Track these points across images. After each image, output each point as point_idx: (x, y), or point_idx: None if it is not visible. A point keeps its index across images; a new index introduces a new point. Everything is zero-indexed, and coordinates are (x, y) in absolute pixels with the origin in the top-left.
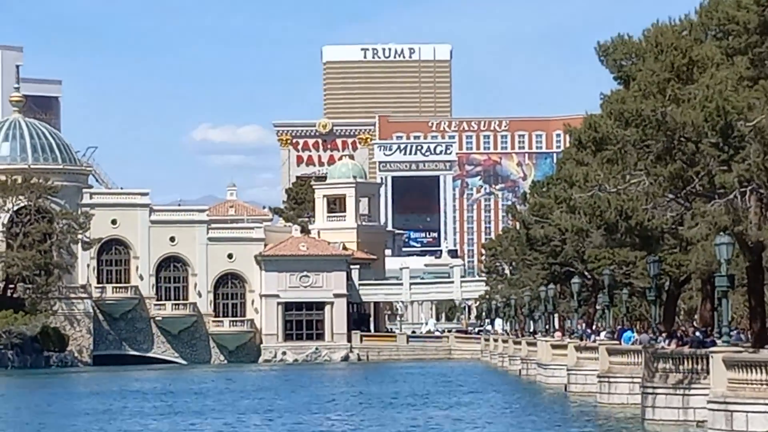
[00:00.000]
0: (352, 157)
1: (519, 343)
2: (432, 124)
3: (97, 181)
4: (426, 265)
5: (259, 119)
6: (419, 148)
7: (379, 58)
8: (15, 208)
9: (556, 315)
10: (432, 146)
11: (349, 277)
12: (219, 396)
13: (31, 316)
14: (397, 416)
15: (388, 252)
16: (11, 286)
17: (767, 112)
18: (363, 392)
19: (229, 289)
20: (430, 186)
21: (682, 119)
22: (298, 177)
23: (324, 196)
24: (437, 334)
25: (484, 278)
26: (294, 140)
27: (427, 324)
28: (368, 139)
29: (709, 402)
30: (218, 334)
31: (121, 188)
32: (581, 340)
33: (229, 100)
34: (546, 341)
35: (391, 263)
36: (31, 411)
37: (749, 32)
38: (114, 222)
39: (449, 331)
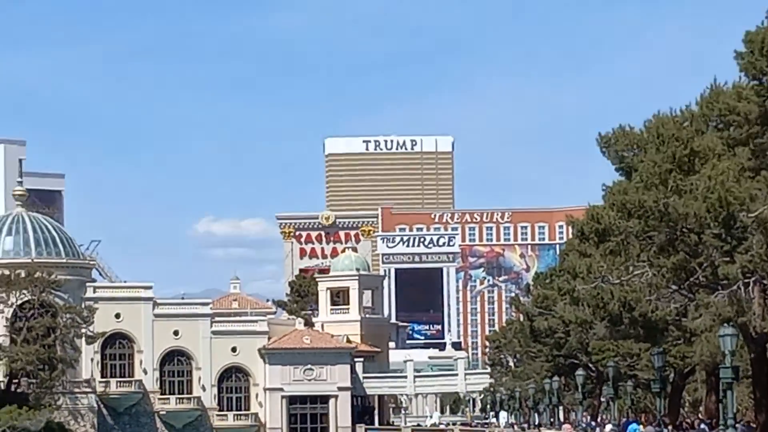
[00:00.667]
0: (355, 249)
1: None
2: (435, 215)
3: (100, 274)
4: (430, 358)
5: (262, 212)
6: (422, 240)
7: (381, 149)
8: (18, 302)
9: (560, 407)
10: (435, 238)
11: (353, 370)
12: None
13: (35, 411)
14: None
15: (392, 344)
16: (15, 381)
17: None
18: None
19: (233, 382)
20: (434, 278)
21: (684, 210)
22: (301, 269)
23: (327, 288)
24: (442, 427)
25: (488, 370)
26: (297, 233)
27: (431, 417)
28: (371, 231)
29: None
30: (223, 429)
31: (125, 282)
32: (586, 431)
33: (231, 193)
34: None
35: (395, 356)
36: None
37: (750, 123)
38: (118, 316)
39: (454, 424)
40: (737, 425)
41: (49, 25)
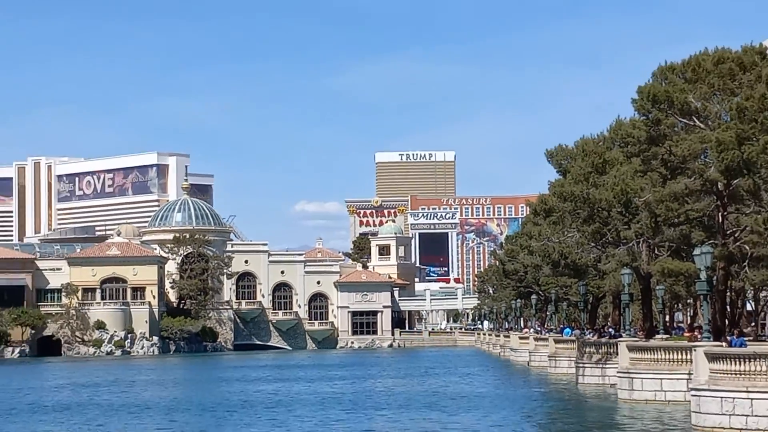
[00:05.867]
0: (394, 221)
1: (499, 336)
2: (444, 200)
3: (235, 236)
4: (440, 288)
5: (336, 198)
6: (435, 215)
7: (410, 159)
8: (185, 253)
9: (521, 318)
10: (443, 214)
11: (392, 295)
12: (322, 366)
13: (195, 320)
14: (431, 378)
15: (416, 279)
16: (183, 301)
17: (653, 193)
18: (404, 367)
19: (318, 302)
20: (442, 239)
21: (599, 197)
22: (360, 234)
23: (376, 245)
24: (448, 330)
25: (477, 296)
26: (358, 211)
27: (441, 324)
28: (404, 210)
29: (618, 372)
30: (311, 331)
31: (251, 241)
32: (538, 334)
33: (318, 186)
34: (516, 335)
35: (418, 287)
36: (205, 377)
37: (641, 143)
38: (246, 262)
39: (455, 329)
40: (631, 330)
41: (209, 73)
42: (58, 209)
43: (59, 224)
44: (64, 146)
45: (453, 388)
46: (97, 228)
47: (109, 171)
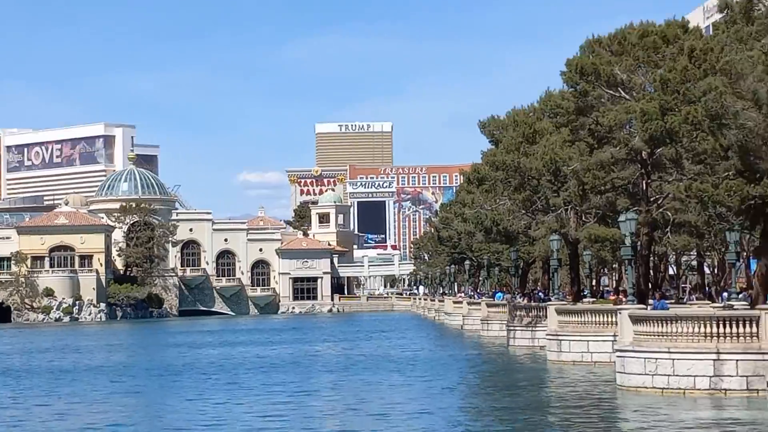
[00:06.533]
0: (333, 190)
1: (433, 300)
2: (381, 169)
3: (180, 205)
4: (378, 254)
5: (278, 168)
6: (373, 184)
7: (349, 130)
8: (131, 222)
9: (455, 284)
10: (381, 183)
11: (332, 262)
12: (263, 331)
13: (141, 287)
14: (367, 341)
15: (355, 247)
16: (129, 269)
17: (580, 161)
18: (343, 331)
19: (260, 269)
20: (380, 207)
21: (529, 165)
22: (301, 202)
23: (317, 213)
24: (385, 295)
25: (413, 262)
26: (299, 180)
27: (378, 289)
28: (343, 179)
29: (547, 335)
30: (254, 297)
31: (195, 209)
32: (471, 298)
33: (260, 156)
34: (450, 299)
35: (357, 253)
36: (150, 342)
37: (569, 113)
38: (191, 230)
39: (392, 294)
40: (559, 294)
41: (154, 47)
42: (8, 179)
43: (8, 194)
44: (13, 118)
45: (389, 351)
46: (45, 197)
47: (57, 142)
